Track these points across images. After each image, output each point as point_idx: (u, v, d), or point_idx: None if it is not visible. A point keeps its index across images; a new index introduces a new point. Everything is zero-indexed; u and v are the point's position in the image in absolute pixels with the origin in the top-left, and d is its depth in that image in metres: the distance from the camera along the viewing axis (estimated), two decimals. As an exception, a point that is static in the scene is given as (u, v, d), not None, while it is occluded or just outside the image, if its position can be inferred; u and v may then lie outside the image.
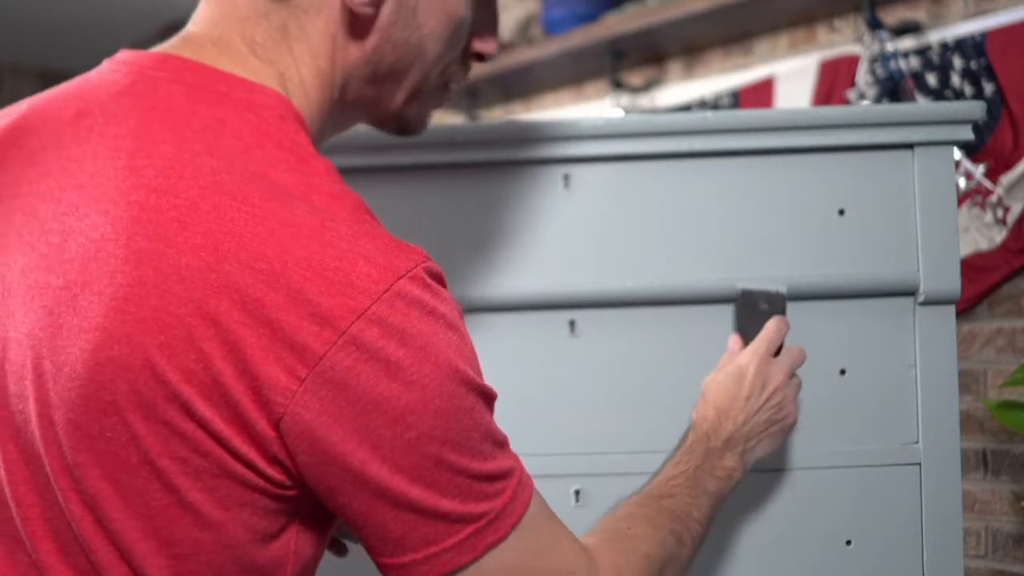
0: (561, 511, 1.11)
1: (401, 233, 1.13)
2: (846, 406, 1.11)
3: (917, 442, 1.10)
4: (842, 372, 1.11)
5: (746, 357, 1.01)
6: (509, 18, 2.77)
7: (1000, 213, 1.77)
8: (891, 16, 1.95)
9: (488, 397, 0.72)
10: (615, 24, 2.23)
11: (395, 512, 0.66)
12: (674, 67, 2.40)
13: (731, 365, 1.01)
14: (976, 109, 1.08)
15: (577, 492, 1.12)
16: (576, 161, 1.12)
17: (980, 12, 1.85)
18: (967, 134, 1.09)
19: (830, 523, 1.10)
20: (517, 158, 1.11)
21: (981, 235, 1.80)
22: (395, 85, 0.79)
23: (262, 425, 0.63)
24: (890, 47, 1.90)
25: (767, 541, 1.10)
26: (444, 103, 0.88)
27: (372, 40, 0.75)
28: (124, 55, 0.76)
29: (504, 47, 2.61)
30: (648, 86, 2.41)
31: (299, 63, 0.74)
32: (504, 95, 2.72)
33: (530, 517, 0.71)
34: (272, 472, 0.66)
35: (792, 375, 1.03)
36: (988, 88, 1.80)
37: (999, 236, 1.78)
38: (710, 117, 1.11)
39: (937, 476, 1.09)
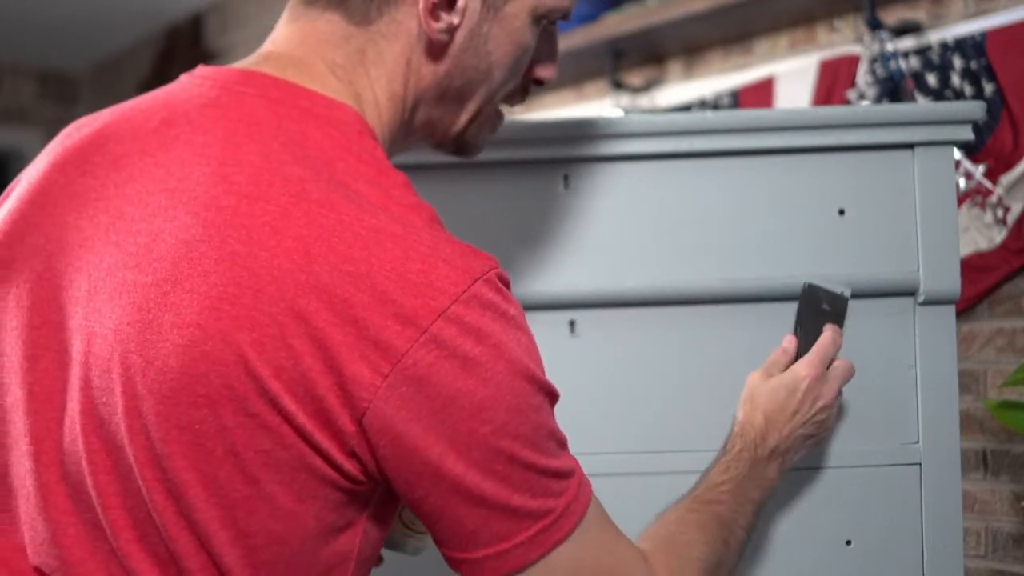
0: (561, 511, 1.12)
1: (401, 233, 1.14)
2: (846, 406, 1.11)
3: (917, 442, 1.10)
4: (842, 372, 1.11)
5: (804, 370, 1.01)
6: (509, 18, 2.78)
7: (1000, 213, 1.77)
8: (891, 16, 1.95)
9: (553, 396, 0.75)
10: (615, 24, 2.23)
11: (468, 507, 0.69)
12: (674, 67, 2.40)
13: (788, 375, 1.02)
14: (976, 109, 1.08)
15: (577, 492, 1.12)
16: (576, 161, 1.12)
17: (980, 12, 1.85)
18: (967, 134, 1.09)
19: (830, 523, 1.10)
20: (517, 158, 1.11)
21: (981, 235, 1.80)
22: (460, 107, 0.84)
23: (344, 420, 0.66)
24: (890, 47, 1.90)
25: (767, 541, 1.10)
26: (499, 127, 0.92)
27: (444, 65, 0.80)
28: (205, 70, 0.80)
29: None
30: (648, 86, 2.41)
31: (375, 85, 0.79)
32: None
33: (591, 517, 0.74)
34: (348, 466, 0.69)
35: (840, 393, 1.04)
36: (988, 88, 1.80)
37: (999, 236, 1.78)
38: (710, 117, 1.11)
39: (937, 476, 1.09)
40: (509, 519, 0.70)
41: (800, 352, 1.05)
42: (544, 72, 0.89)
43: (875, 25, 1.92)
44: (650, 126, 1.12)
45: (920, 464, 1.10)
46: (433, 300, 0.66)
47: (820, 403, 1.01)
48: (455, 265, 0.68)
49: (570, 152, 1.11)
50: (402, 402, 0.66)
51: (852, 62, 1.98)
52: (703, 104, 2.25)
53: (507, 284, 0.73)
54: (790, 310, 1.10)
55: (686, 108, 2.29)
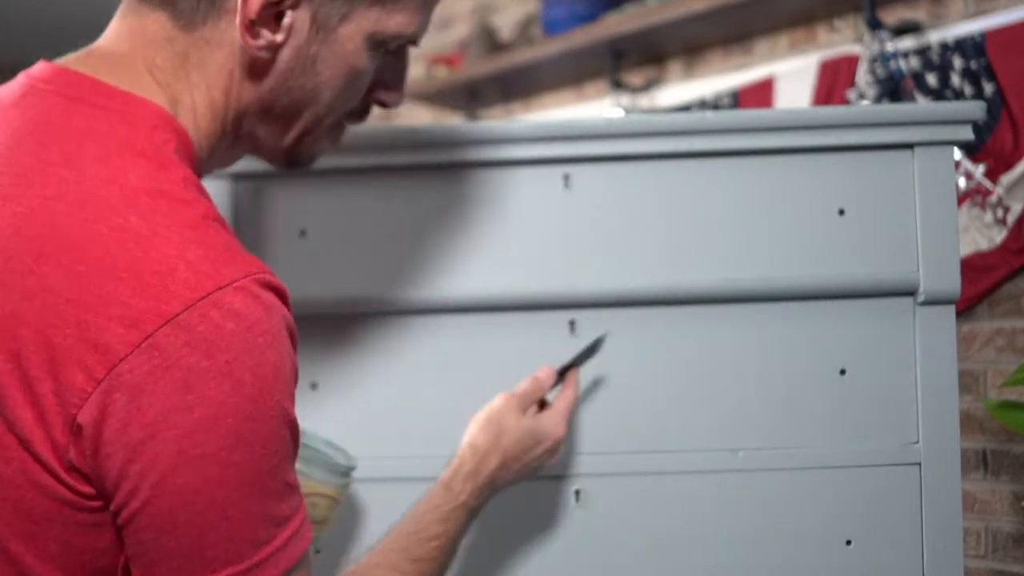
0: (561, 511, 1.12)
1: (401, 233, 1.14)
2: (846, 406, 1.11)
3: (917, 442, 1.10)
4: (842, 372, 1.11)
5: (558, 429, 1.01)
6: (509, 18, 2.77)
7: (1000, 213, 1.77)
8: (891, 16, 1.95)
9: (293, 430, 0.68)
10: (615, 24, 2.23)
11: (159, 534, 0.63)
12: (674, 67, 2.40)
13: (539, 428, 1.00)
14: (976, 109, 1.08)
15: (577, 492, 1.12)
16: (576, 161, 1.12)
17: (980, 12, 1.85)
18: (967, 134, 1.09)
19: (830, 523, 1.10)
20: (517, 158, 1.11)
21: (981, 235, 1.80)
22: (286, 125, 0.82)
23: (59, 428, 0.62)
24: (890, 47, 1.90)
25: (767, 541, 1.10)
26: (338, 141, 0.89)
27: (269, 82, 0.78)
28: (34, 67, 0.77)
29: (504, 47, 2.61)
30: (648, 86, 2.41)
31: (195, 91, 0.76)
32: (504, 95, 2.72)
33: (296, 573, 0.68)
34: (72, 481, 0.63)
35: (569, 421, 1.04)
36: (988, 88, 1.80)
37: (999, 236, 1.78)
38: (710, 117, 1.11)
39: (937, 476, 1.09)
40: (195, 558, 0.63)
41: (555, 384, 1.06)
42: (386, 97, 0.86)
43: (875, 25, 1.92)
44: (650, 126, 1.12)
45: (920, 464, 1.10)
46: (164, 304, 0.61)
47: (552, 439, 1.01)
48: (199, 269, 0.63)
49: (570, 152, 1.11)
50: (112, 410, 0.61)
51: (852, 62, 1.99)
52: (703, 104, 2.25)
53: (278, 293, 0.68)
54: (790, 310, 1.11)
55: (686, 108, 2.29)
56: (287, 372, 0.67)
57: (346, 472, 1.00)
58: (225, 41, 0.75)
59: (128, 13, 0.77)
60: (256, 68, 0.77)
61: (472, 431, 0.98)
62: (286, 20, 0.74)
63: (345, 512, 1.08)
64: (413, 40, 0.82)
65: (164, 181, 0.68)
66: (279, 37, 0.75)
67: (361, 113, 0.88)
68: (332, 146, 0.89)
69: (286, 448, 0.67)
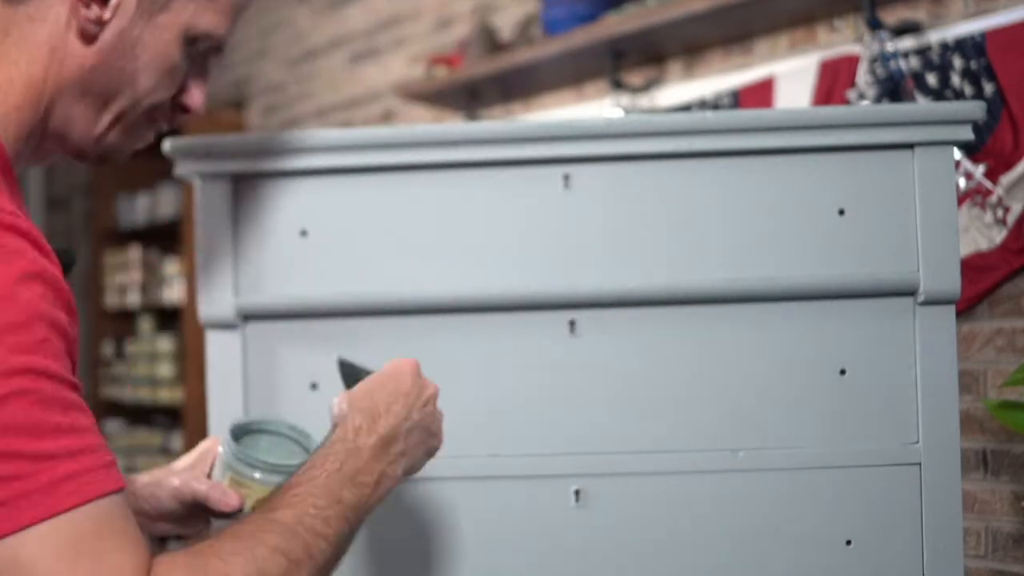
0: (561, 511, 1.12)
1: (401, 233, 1.14)
2: (846, 406, 1.11)
3: (917, 442, 1.10)
4: (842, 372, 1.11)
5: (400, 361, 0.93)
6: (509, 18, 2.77)
7: (1000, 213, 1.77)
8: (891, 16, 1.95)
9: (65, 337, 0.68)
10: (615, 24, 2.23)
11: None
12: (674, 67, 2.40)
13: (385, 368, 0.93)
14: (976, 109, 1.08)
15: (577, 492, 1.12)
16: (576, 161, 1.12)
17: (980, 12, 1.85)
18: (967, 134, 1.09)
19: (830, 523, 1.10)
20: (517, 158, 1.11)
21: (981, 235, 1.80)
22: (102, 107, 0.84)
23: None
24: (890, 47, 1.90)
25: (767, 541, 1.10)
26: (147, 141, 0.91)
27: (91, 58, 0.80)
28: None
29: (504, 47, 2.61)
30: (648, 86, 2.41)
31: (11, 67, 0.79)
32: (504, 95, 2.72)
33: (80, 518, 0.65)
34: None
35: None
36: (988, 88, 1.80)
37: (999, 236, 1.78)
38: (710, 117, 1.11)
39: (937, 476, 1.10)
40: None
41: None
42: (189, 99, 0.89)
43: (875, 25, 1.92)
44: (650, 126, 1.12)
45: (920, 464, 1.10)
46: None
47: (428, 392, 0.92)
48: None
49: (570, 152, 1.11)
50: None
51: (852, 62, 1.98)
52: (703, 104, 2.25)
53: (26, 237, 0.68)
54: (790, 310, 1.11)
55: (686, 108, 2.29)
56: (19, 311, 0.65)
57: (293, 471, 0.95)
58: (49, 18, 0.79)
59: None
60: (78, 46, 0.80)
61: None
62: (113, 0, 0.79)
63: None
64: (220, 45, 0.87)
65: None
66: (106, 14, 0.79)
67: (169, 116, 0.90)
68: (140, 144, 0.90)
69: (50, 375, 0.66)
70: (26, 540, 0.63)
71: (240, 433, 0.99)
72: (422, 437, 0.91)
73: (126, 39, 0.81)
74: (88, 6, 0.78)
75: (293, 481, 0.81)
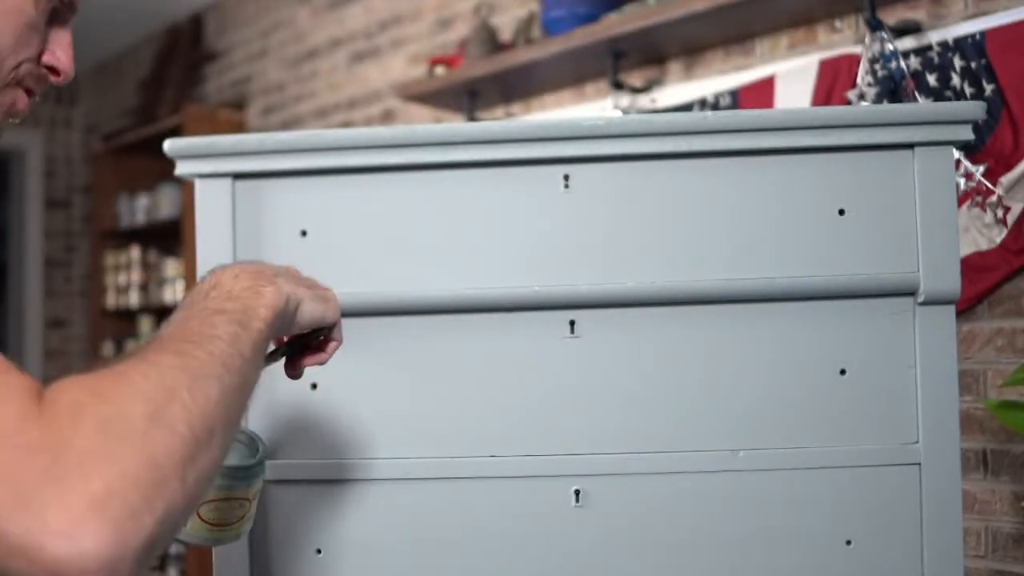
0: (561, 511, 1.12)
1: (401, 233, 1.14)
2: (846, 406, 1.11)
3: (917, 442, 1.10)
4: (842, 372, 1.11)
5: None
6: (509, 18, 2.77)
7: (1000, 213, 1.77)
8: (891, 16, 1.95)
9: None
10: (615, 24, 2.23)
11: None
12: (674, 67, 2.40)
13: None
14: (976, 109, 1.08)
15: (577, 492, 1.12)
16: (576, 161, 1.12)
17: (980, 12, 1.85)
18: (967, 134, 1.09)
19: (830, 523, 1.10)
20: (517, 158, 1.11)
21: (981, 235, 1.80)
22: None
23: None
24: (890, 47, 1.90)
25: (768, 541, 1.10)
26: (20, 109, 0.89)
27: None
28: None
29: (504, 47, 2.61)
30: (648, 86, 2.41)
31: None
32: (504, 95, 2.72)
33: None
34: None
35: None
36: (988, 88, 1.80)
37: (999, 236, 1.78)
38: (710, 117, 1.11)
39: (937, 476, 1.09)
40: None
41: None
42: (52, 59, 0.88)
43: (875, 25, 1.92)
44: (650, 126, 1.12)
45: (920, 464, 1.10)
46: None
47: (292, 268, 0.88)
48: None
49: (570, 152, 1.11)
50: None
51: (852, 62, 1.98)
52: (703, 104, 2.25)
53: None
54: (790, 310, 1.11)
55: (686, 108, 2.29)
56: None
57: (248, 475, 0.96)
58: None
59: None
60: None
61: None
62: None
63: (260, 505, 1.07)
64: (72, 1, 0.86)
65: None
66: None
67: (36, 80, 0.88)
68: (15, 115, 0.89)
69: None
70: None
71: None
72: (295, 278, 0.86)
73: None
74: None
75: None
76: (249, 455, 1.00)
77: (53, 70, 0.89)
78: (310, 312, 0.86)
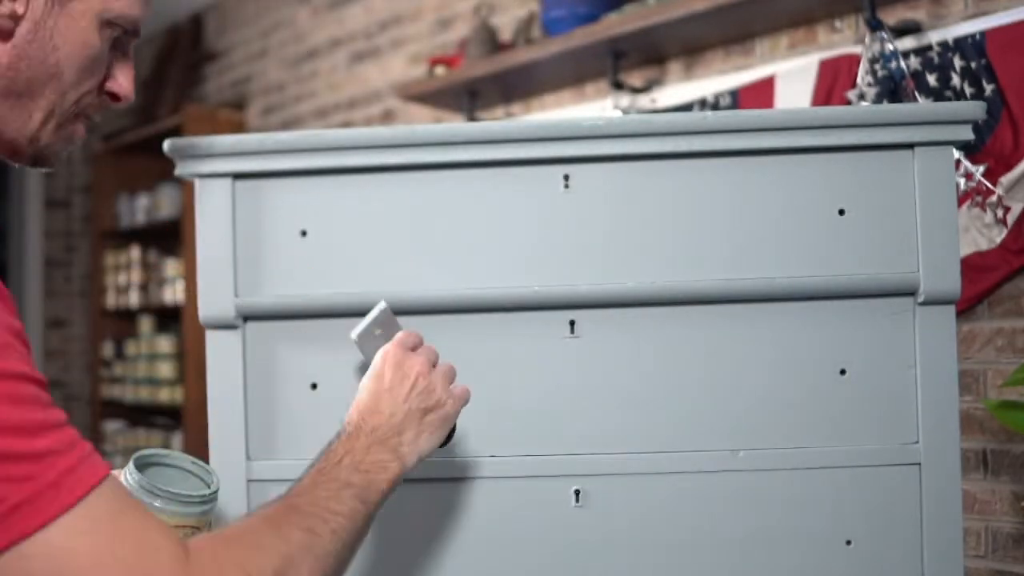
0: (561, 511, 1.12)
1: (401, 233, 1.14)
2: (846, 406, 1.11)
3: (917, 442, 1.10)
4: (842, 372, 1.11)
5: (378, 357, 0.98)
6: (509, 18, 2.77)
7: (1000, 213, 1.77)
8: (891, 16, 1.95)
9: (21, 338, 0.71)
10: (615, 24, 2.23)
11: None
12: (674, 67, 2.39)
13: (369, 370, 0.98)
14: (976, 109, 1.08)
15: (577, 492, 1.12)
16: (576, 161, 1.12)
17: (980, 12, 1.85)
18: (967, 134, 1.09)
19: (830, 523, 1.10)
20: (517, 158, 1.11)
21: (981, 235, 1.80)
22: (31, 103, 0.83)
23: None
24: (890, 47, 1.90)
25: (768, 541, 1.10)
26: (78, 138, 0.90)
27: (8, 55, 0.80)
28: None
29: (504, 47, 2.61)
30: (648, 86, 2.41)
31: None
32: (504, 95, 2.72)
33: (96, 503, 0.69)
34: None
35: (435, 364, 1.00)
36: (988, 88, 1.80)
37: (999, 236, 1.78)
38: (710, 117, 1.11)
39: (937, 476, 1.10)
40: None
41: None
42: (116, 87, 0.89)
43: (875, 25, 1.92)
44: (650, 126, 1.12)
45: (920, 464, 1.10)
46: None
47: (412, 374, 0.96)
48: None
49: (570, 152, 1.11)
50: None
51: (852, 62, 1.98)
52: (703, 104, 2.25)
53: None
54: (790, 310, 1.11)
55: (686, 108, 2.29)
56: None
57: (202, 501, 0.99)
58: None
59: None
60: None
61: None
62: None
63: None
64: (135, 27, 0.87)
65: None
66: (20, 8, 0.79)
67: (98, 106, 0.90)
68: (74, 143, 0.90)
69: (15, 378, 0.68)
70: (51, 535, 0.67)
71: (143, 464, 1.01)
72: (419, 417, 0.96)
73: (42, 31, 0.81)
74: (0, 3, 0.78)
75: (303, 475, 0.88)
76: (202, 485, 1.04)
77: (114, 96, 0.90)
78: (430, 450, 0.97)
